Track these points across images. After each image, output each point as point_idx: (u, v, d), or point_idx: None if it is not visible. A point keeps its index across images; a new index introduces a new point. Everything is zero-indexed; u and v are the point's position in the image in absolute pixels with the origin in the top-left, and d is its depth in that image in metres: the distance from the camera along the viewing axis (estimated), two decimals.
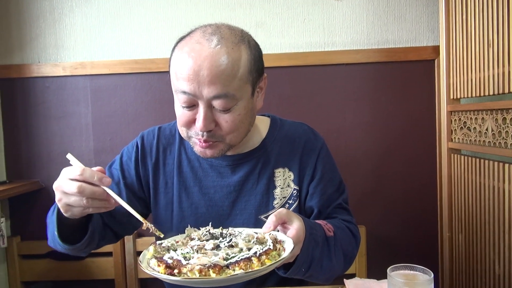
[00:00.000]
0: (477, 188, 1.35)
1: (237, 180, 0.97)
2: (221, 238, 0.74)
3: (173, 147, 1.01)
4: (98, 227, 0.89)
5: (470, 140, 1.39)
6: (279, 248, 0.69)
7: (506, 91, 1.16)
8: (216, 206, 0.97)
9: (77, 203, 0.72)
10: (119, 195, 0.97)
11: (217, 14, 1.66)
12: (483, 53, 1.27)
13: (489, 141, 1.28)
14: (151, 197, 1.01)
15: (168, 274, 0.62)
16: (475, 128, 1.36)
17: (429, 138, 1.68)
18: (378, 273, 0.97)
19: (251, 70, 0.84)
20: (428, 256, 1.70)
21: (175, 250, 0.70)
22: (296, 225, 0.74)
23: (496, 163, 1.24)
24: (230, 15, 1.66)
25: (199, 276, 0.61)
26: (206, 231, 0.76)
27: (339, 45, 1.67)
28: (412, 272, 0.72)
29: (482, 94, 1.29)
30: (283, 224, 0.75)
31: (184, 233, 0.80)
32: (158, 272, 0.64)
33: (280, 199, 0.97)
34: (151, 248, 0.72)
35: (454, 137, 1.51)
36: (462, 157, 1.45)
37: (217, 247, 0.70)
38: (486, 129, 1.30)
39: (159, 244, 0.73)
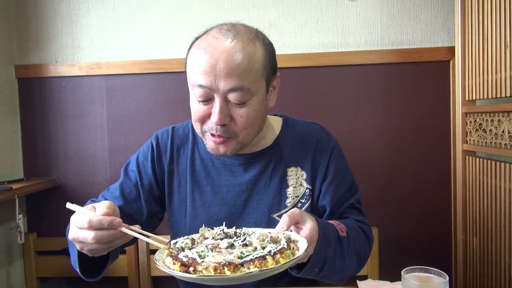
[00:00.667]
0: (492, 190, 1.33)
1: (250, 179, 0.97)
2: (235, 237, 0.75)
3: (187, 146, 1.02)
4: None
5: (486, 142, 1.37)
6: (293, 248, 0.69)
7: None
8: (228, 205, 0.98)
9: (100, 247, 0.73)
10: (138, 196, 0.99)
11: (231, 15, 1.67)
12: (500, 54, 1.25)
13: (505, 143, 1.27)
14: (165, 196, 1.02)
15: (183, 272, 0.63)
16: (491, 130, 1.34)
17: (443, 140, 1.66)
18: (390, 275, 0.97)
19: (265, 65, 0.86)
20: (441, 259, 1.68)
21: (190, 249, 0.71)
22: (309, 225, 0.74)
23: None
24: (243, 15, 1.67)
25: (214, 274, 0.62)
26: (220, 231, 0.77)
27: (352, 46, 1.66)
28: (426, 274, 0.71)
29: (498, 96, 1.27)
30: (296, 224, 0.75)
31: (198, 232, 0.80)
32: (174, 270, 0.64)
33: (293, 198, 0.97)
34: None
35: (469, 139, 1.49)
36: (477, 159, 1.43)
37: (231, 245, 0.71)
38: (503, 131, 1.28)
39: (173, 243, 0.73)
